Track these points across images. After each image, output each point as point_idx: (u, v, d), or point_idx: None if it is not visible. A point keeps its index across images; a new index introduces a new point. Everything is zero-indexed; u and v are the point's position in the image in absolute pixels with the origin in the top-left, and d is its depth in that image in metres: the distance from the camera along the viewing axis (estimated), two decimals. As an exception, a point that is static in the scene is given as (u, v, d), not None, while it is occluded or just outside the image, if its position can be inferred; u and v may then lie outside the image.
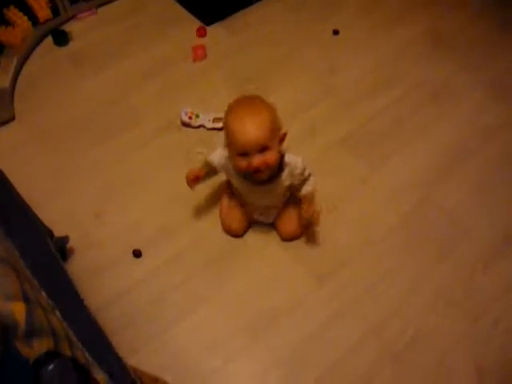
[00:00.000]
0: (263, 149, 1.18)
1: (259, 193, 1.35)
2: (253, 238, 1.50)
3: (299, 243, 1.48)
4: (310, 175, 1.35)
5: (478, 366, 1.26)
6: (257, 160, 1.18)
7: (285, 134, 1.25)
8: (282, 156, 1.28)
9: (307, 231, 1.48)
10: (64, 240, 1.41)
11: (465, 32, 2.12)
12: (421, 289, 1.39)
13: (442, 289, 1.39)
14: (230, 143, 1.22)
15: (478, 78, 1.94)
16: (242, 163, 1.20)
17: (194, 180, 1.40)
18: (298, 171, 1.30)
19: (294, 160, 1.30)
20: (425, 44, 2.07)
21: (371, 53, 2.04)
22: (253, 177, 1.27)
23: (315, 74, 1.96)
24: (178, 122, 1.78)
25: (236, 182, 1.37)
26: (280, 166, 1.29)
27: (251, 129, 1.17)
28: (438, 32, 2.13)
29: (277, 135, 1.22)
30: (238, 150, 1.20)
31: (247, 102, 1.24)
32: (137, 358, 1.24)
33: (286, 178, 1.31)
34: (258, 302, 1.37)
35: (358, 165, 1.67)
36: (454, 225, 1.53)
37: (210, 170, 1.41)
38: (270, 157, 1.19)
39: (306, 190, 1.36)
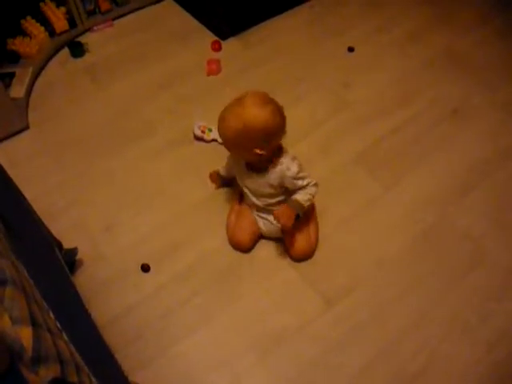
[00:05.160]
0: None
1: (251, 181, 1.36)
2: (261, 255, 1.48)
3: (308, 262, 1.45)
4: (308, 186, 1.32)
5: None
6: None
7: (258, 153, 1.23)
8: (279, 153, 1.30)
9: (317, 251, 1.46)
10: (73, 252, 1.41)
11: (482, 51, 2.10)
12: (434, 313, 1.36)
13: (456, 314, 1.36)
14: None
15: (495, 98, 1.91)
16: None
17: (213, 181, 1.60)
18: (290, 174, 1.28)
19: (289, 163, 1.29)
20: (442, 62, 2.05)
21: (387, 70, 2.02)
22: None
23: (330, 90, 1.95)
24: (191, 136, 1.77)
25: (236, 169, 1.41)
26: (274, 162, 1.29)
27: (221, 124, 1.24)
28: (456, 50, 2.10)
29: (245, 147, 1.23)
30: None
31: (252, 103, 1.20)
32: (142, 374, 1.22)
33: (274, 176, 1.30)
34: (265, 321, 1.35)
35: (371, 182, 1.65)
36: (470, 247, 1.49)
37: (223, 177, 1.57)
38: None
39: (298, 195, 1.33)
